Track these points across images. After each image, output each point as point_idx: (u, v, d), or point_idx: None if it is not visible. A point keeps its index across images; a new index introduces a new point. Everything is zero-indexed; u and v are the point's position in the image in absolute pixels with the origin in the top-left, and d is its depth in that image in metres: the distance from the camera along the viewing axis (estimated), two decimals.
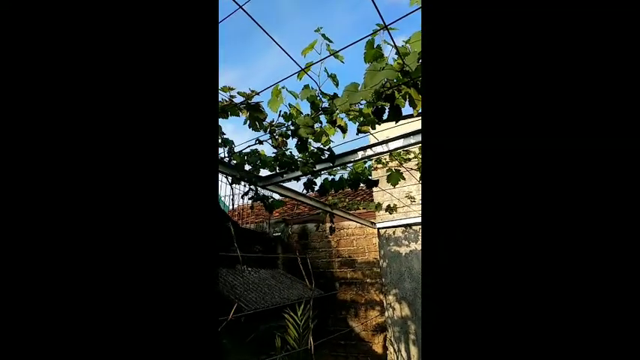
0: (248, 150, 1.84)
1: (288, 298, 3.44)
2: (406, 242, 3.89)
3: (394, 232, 3.99)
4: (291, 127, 1.56)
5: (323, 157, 1.80)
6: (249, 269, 3.92)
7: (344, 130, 1.48)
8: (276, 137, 1.62)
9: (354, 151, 1.83)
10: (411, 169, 2.44)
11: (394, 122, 1.30)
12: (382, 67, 1.14)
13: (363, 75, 1.18)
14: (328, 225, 3.26)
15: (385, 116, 1.32)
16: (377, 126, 1.48)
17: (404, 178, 2.12)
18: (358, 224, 4.08)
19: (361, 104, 1.38)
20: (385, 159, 2.29)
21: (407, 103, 1.26)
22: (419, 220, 3.69)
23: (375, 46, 1.18)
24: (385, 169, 2.23)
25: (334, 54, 1.21)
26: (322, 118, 1.50)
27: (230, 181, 1.89)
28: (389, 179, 2.09)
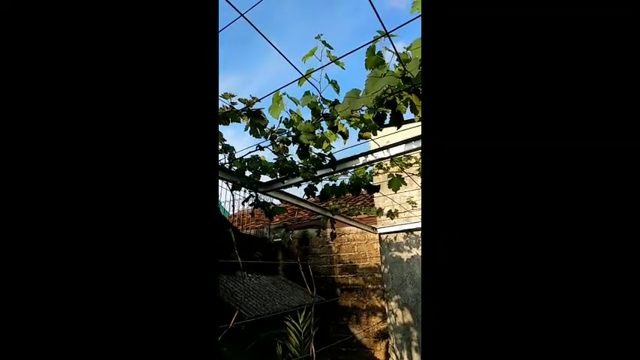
0: (249, 156, 1.84)
1: (289, 305, 3.41)
2: (408, 248, 3.87)
3: (395, 238, 3.97)
4: (292, 134, 1.56)
5: (324, 163, 1.79)
6: (250, 275, 3.89)
7: (345, 136, 1.48)
8: (277, 143, 1.62)
9: (355, 157, 1.82)
10: (413, 174, 2.44)
11: (396, 128, 1.29)
12: (383, 73, 1.14)
13: (365, 81, 1.18)
14: (329, 230, 3.25)
15: (387, 122, 1.32)
16: (378, 132, 1.48)
17: (405, 184, 2.11)
18: (359, 229, 4.07)
19: (362, 110, 1.38)
20: (386, 164, 2.29)
21: (408, 109, 1.26)
22: (420, 225, 3.68)
23: (376, 53, 1.19)
24: (386, 174, 2.22)
25: (335, 61, 1.21)
26: (323, 124, 1.50)
27: (231, 187, 1.88)
28: (390, 185, 2.09)
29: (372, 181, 2.29)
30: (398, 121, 1.25)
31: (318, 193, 2.16)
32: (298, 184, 2.04)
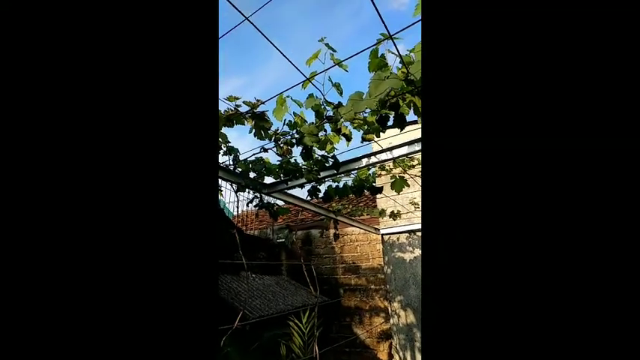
0: (253, 158, 1.85)
1: (293, 305, 3.42)
2: (410, 248, 3.87)
3: (398, 239, 3.97)
4: (296, 136, 1.57)
5: (327, 165, 1.81)
6: (253, 276, 3.91)
7: (348, 138, 1.49)
8: (281, 145, 1.63)
9: (359, 159, 1.83)
10: (415, 175, 2.44)
11: (399, 130, 1.30)
12: (386, 76, 1.15)
13: (368, 84, 1.20)
14: (332, 231, 3.26)
15: (390, 123, 1.32)
16: (381, 133, 1.49)
17: (408, 185, 2.12)
18: (362, 230, 4.07)
19: (365, 113, 1.39)
20: (389, 166, 2.30)
21: (411, 111, 1.27)
22: None
23: (379, 56, 1.20)
24: (389, 175, 2.23)
25: (339, 63, 1.22)
26: (327, 126, 1.51)
27: (235, 188, 1.90)
28: (393, 186, 2.09)
29: (374, 182, 2.30)
30: (401, 123, 1.26)
31: (321, 195, 2.17)
32: (302, 186, 2.06)
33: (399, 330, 3.78)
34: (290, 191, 2.22)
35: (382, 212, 3.34)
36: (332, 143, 1.57)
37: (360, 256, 4.27)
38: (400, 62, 1.18)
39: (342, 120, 1.41)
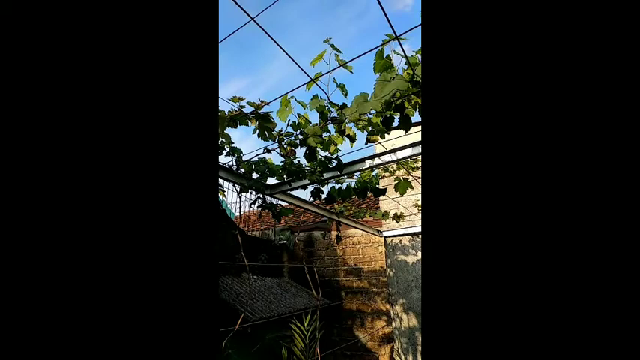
0: (256, 159, 1.85)
1: (294, 307, 3.40)
2: (413, 251, 3.85)
3: (401, 241, 3.95)
4: (300, 137, 1.56)
5: (331, 166, 1.79)
6: (255, 277, 3.90)
7: (353, 139, 1.48)
8: (285, 146, 1.62)
9: (362, 160, 1.82)
10: (419, 177, 2.43)
11: (404, 131, 1.29)
12: (392, 77, 1.14)
13: (373, 85, 1.19)
14: (335, 233, 3.25)
15: (395, 124, 1.31)
16: (385, 135, 1.48)
17: (412, 187, 2.10)
18: (364, 232, 4.05)
19: (370, 114, 1.38)
20: (392, 168, 2.28)
21: (417, 112, 1.25)
22: None
23: (384, 57, 1.19)
24: (392, 177, 2.21)
25: (344, 64, 1.21)
26: (331, 127, 1.51)
27: (238, 189, 1.89)
28: (397, 188, 2.08)
29: (378, 184, 2.29)
30: (406, 125, 1.24)
31: (324, 196, 2.16)
32: (305, 187, 2.05)
33: (401, 333, 3.75)
34: (293, 192, 2.21)
35: (385, 214, 3.33)
36: (336, 144, 1.56)
37: (363, 259, 4.25)
38: (406, 63, 1.17)
39: (346, 121, 1.40)
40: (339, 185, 2.25)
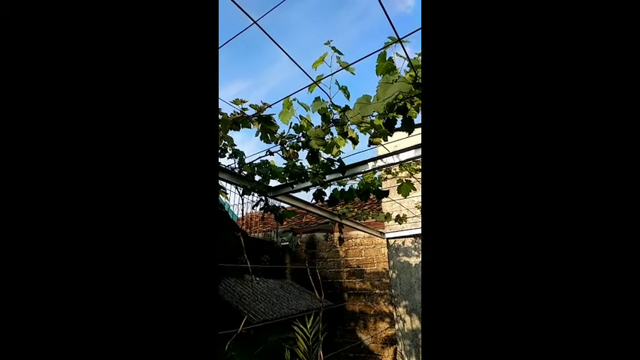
0: (258, 161, 1.85)
1: (297, 309, 3.40)
2: (416, 253, 3.83)
3: (404, 243, 3.94)
4: (302, 139, 1.56)
5: (333, 168, 1.79)
6: (257, 279, 3.90)
7: (355, 141, 1.48)
8: (287, 149, 1.62)
9: (365, 162, 1.82)
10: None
11: (407, 133, 1.29)
12: (395, 79, 1.14)
13: (376, 87, 1.19)
14: (337, 235, 3.24)
15: (397, 126, 1.31)
16: (388, 137, 1.47)
17: (415, 189, 2.10)
18: (367, 234, 4.05)
19: (372, 116, 1.38)
20: (395, 169, 2.28)
21: (419, 114, 1.25)
22: None
23: (387, 59, 1.19)
24: (395, 179, 2.21)
25: (346, 67, 1.22)
26: (333, 129, 1.51)
27: (241, 191, 1.89)
28: (400, 190, 2.07)
29: (380, 186, 2.28)
30: (409, 127, 1.24)
31: (326, 198, 2.16)
32: (307, 189, 2.05)
33: (405, 335, 3.74)
34: (295, 194, 2.21)
35: (388, 216, 3.32)
36: (338, 147, 1.56)
37: (365, 260, 4.24)
38: (408, 65, 1.17)
39: (348, 123, 1.40)
40: (342, 187, 2.24)
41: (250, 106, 1.43)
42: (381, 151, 1.82)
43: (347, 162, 1.81)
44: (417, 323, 3.69)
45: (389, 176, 2.37)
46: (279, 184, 2.05)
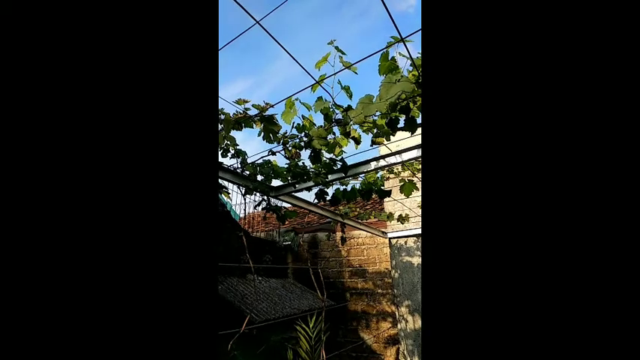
0: (261, 161, 1.85)
1: (299, 309, 3.40)
2: (418, 253, 3.83)
3: (406, 242, 3.93)
4: (305, 139, 1.56)
5: (335, 168, 1.79)
6: (260, 278, 3.90)
7: (357, 141, 1.48)
8: (290, 148, 1.62)
9: (367, 162, 1.82)
10: None
11: (409, 133, 1.29)
12: (397, 79, 1.13)
13: (378, 87, 1.18)
14: (339, 234, 3.24)
15: (400, 126, 1.31)
16: (390, 136, 1.47)
17: (417, 189, 2.09)
18: (369, 234, 4.04)
19: (375, 116, 1.38)
20: (397, 169, 2.27)
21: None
22: None
23: (389, 59, 1.18)
24: (398, 179, 2.21)
25: (349, 67, 1.21)
26: (335, 129, 1.50)
27: (243, 191, 1.89)
28: (402, 189, 2.07)
29: (383, 185, 2.28)
30: (412, 127, 1.24)
31: (328, 198, 2.15)
32: (309, 189, 2.05)
33: (407, 335, 3.73)
34: (297, 194, 2.21)
35: (390, 216, 3.31)
36: (340, 146, 1.56)
37: (367, 260, 4.24)
38: (411, 65, 1.16)
39: (351, 123, 1.40)
40: (344, 187, 2.24)
41: (253, 106, 1.43)
42: (383, 150, 1.82)
43: (349, 162, 1.81)
44: (419, 323, 3.68)
45: (391, 176, 2.37)
46: (281, 183, 2.05)
